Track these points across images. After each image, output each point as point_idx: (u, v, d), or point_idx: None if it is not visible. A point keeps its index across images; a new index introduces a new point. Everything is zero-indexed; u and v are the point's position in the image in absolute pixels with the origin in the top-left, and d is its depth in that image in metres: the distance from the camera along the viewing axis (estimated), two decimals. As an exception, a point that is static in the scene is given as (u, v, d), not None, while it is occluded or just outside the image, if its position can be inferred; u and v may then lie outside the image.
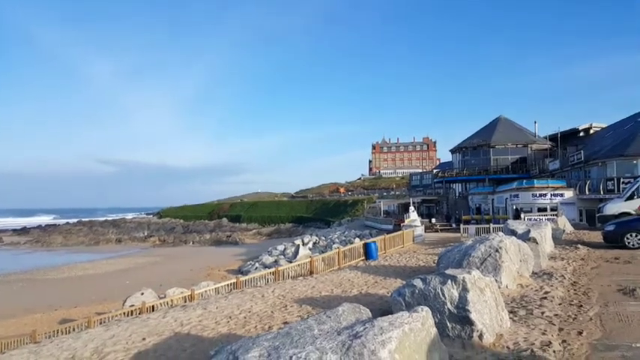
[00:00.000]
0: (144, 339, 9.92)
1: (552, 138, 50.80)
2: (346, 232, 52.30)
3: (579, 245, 19.05)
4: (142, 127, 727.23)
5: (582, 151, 38.61)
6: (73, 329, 16.76)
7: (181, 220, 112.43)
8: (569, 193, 36.70)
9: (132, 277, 37.03)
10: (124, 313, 17.88)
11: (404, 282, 9.80)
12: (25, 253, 63.16)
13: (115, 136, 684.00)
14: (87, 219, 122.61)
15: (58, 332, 17.01)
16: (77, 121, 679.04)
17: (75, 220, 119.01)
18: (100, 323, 16.06)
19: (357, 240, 38.29)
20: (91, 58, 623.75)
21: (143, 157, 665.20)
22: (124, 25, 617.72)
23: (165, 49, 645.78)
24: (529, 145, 51.94)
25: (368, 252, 22.26)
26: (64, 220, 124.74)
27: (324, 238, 52.18)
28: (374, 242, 23.41)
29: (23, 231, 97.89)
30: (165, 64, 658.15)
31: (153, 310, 16.58)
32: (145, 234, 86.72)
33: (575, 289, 10.73)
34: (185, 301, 17.47)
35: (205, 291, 18.95)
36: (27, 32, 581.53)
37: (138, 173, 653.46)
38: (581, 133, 50.49)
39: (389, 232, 32.14)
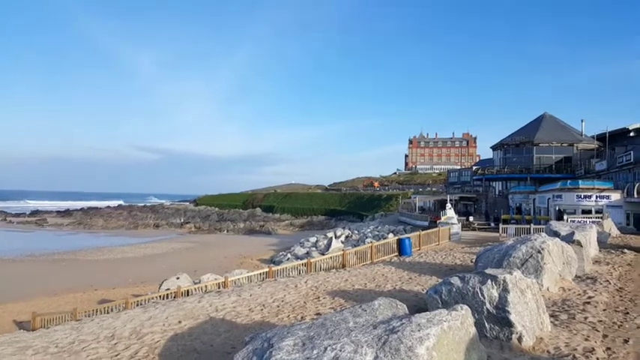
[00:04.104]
0: (180, 322, 10.17)
1: (600, 138, 48.58)
2: (379, 227, 51.91)
3: (626, 250, 18.17)
4: (182, 117, 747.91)
5: (632, 152, 36.71)
6: (112, 309, 17.41)
7: (216, 209, 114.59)
8: (616, 196, 35.06)
9: (168, 262, 38.15)
10: (160, 296, 18.42)
11: (440, 280, 9.61)
12: (68, 235, 66.11)
13: (156, 125, 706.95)
14: (127, 203, 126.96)
15: (97, 311, 17.73)
16: (121, 111, 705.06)
17: (116, 204, 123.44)
18: (138, 305, 16.61)
19: (390, 235, 37.93)
20: (134, 49, 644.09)
21: (182, 146, 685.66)
22: (164, 16, 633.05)
23: (203, 41, 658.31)
24: (575, 145, 49.87)
25: (402, 248, 22.02)
26: (106, 204, 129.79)
27: (356, 231, 52.02)
28: (408, 238, 23.13)
29: (66, 213, 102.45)
30: (203, 55, 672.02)
31: (188, 295, 17.00)
32: (182, 220, 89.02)
33: (621, 296, 10.24)
34: (219, 288, 17.81)
35: (238, 278, 19.26)
36: (71, 20, 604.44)
37: (176, 161, 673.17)
38: (632, 133, 47.84)
39: (424, 228, 31.66)
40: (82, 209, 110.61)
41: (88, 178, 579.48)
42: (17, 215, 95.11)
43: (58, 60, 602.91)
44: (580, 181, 38.36)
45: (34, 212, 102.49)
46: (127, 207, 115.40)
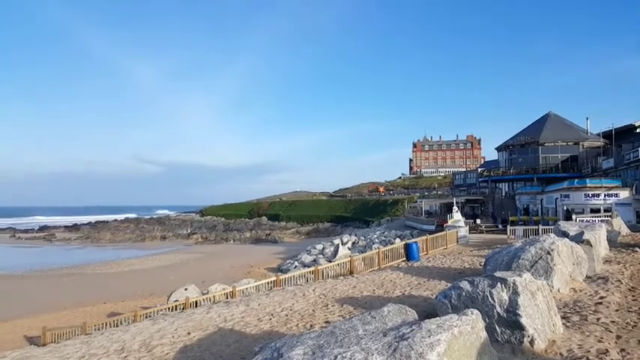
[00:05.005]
0: (189, 333, 10.15)
1: (606, 135, 48.20)
2: (386, 232, 51.77)
3: (637, 248, 17.96)
4: (184, 128, 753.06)
5: (639, 149, 36.43)
6: (121, 322, 17.44)
7: (222, 219, 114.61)
8: (624, 194, 34.76)
9: (175, 273, 38.16)
10: (169, 308, 18.43)
11: (449, 284, 9.54)
12: (76, 249, 66.42)
13: (159, 138, 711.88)
14: (134, 216, 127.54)
15: (107, 325, 17.77)
16: (125, 124, 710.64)
17: (123, 217, 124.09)
18: (147, 317, 16.62)
19: (397, 240, 37.80)
20: (136, 60, 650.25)
21: (186, 157, 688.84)
22: (165, 26, 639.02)
23: (205, 50, 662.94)
24: (580, 143, 49.52)
25: (409, 253, 21.90)
26: (113, 217, 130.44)
27: (363, 237, 51.87)
28: (415, 243, 23.01)
29: (74, 227, 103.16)
30: (204, 65, 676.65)
31: (196, 306, 16.99)
32: (188, 231, 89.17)
33: (633, 295, 10.10)
34: (227, 298, 17.79)
35: (246, 288, 19.24)
36: (73, 32, 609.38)
37: (181, 173, 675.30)
38: (638, 130, 47.56)
39: (431, 232, 31.50)
40: (89, 223, 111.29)
41: (95, 193, 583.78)
42: (26, 231, 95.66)
43: (60, 72, 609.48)
44: (587, 180, 38.03)
45: (43, 228, 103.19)
46: (134, 220, 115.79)
